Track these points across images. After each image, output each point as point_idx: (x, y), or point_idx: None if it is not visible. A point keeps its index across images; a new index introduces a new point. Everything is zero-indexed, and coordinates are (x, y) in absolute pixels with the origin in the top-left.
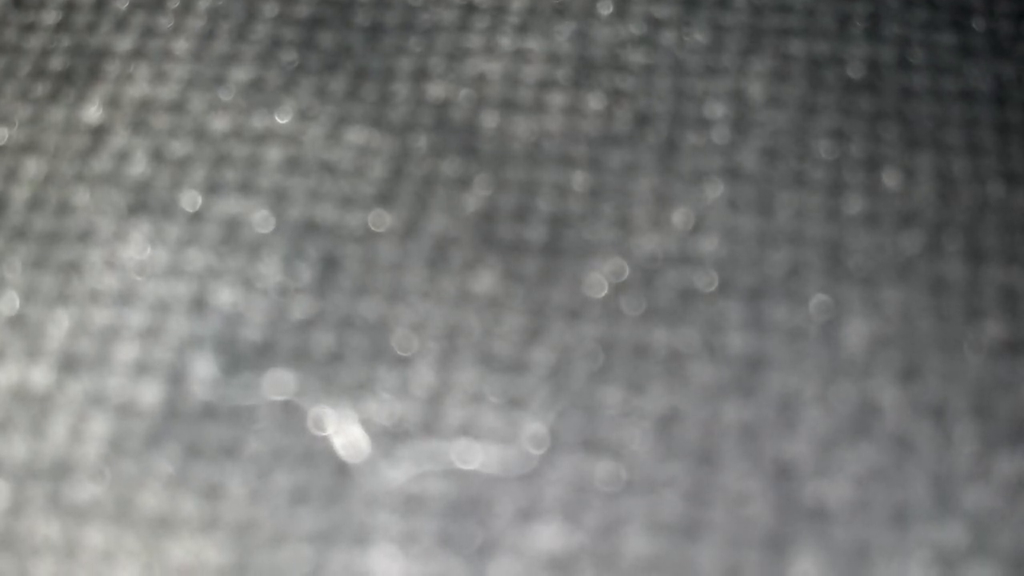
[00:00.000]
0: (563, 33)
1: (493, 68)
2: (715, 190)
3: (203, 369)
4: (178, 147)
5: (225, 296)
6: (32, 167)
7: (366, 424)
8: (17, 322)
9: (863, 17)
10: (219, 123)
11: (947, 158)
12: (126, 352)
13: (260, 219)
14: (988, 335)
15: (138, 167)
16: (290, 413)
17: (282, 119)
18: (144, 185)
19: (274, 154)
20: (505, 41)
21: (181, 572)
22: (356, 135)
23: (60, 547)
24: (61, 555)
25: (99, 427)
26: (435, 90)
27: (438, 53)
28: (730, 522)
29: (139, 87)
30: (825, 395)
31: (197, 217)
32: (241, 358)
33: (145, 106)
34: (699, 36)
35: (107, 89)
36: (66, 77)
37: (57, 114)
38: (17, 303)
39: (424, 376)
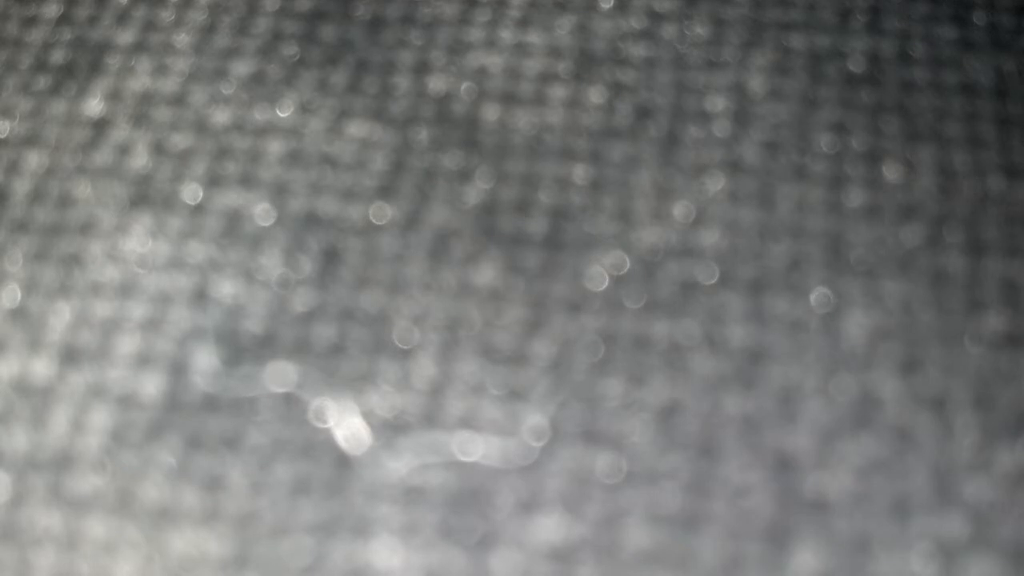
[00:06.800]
0: (564, 27)
1: (494, 61)
2: (716, 183)
3: (204, 361)
4: (179, 140)
5: (226, 288)
6: (33, 160)
7: (367, 416)
8: (19, 314)
9: (864, 11)
10: (220, 116)
11: (948, 151)
12: (127, 344)
13: (261, 212)
14: (989, 327)
15: (139, 160)
16: (291, 405)
17: (283, 112)
18: (145, 178)
19: (275, 147)
20: (506, 35)
21: (182, 563)
22: (357, 128)
23: (61, 538)
24: (62, 546)
25: (100, 419)
26: (436, 83)
27: (439, 46)
28: (731, 514)
29: (140, 80)
30: (826, 387)
31: (198, 210)
32: (242, 350)
33: (146, 99)
34: (700, 30)
35: (108, 82)
36: (67, 70)
37: (58, 107)
38: (19, 295)
39: (425, 368)
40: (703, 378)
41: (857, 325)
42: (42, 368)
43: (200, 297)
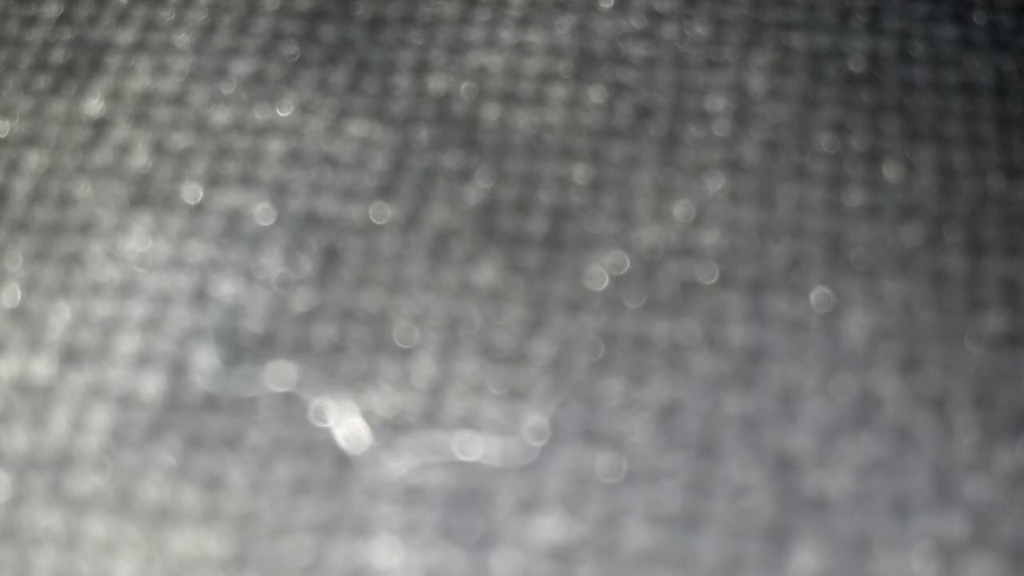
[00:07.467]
0: (564, 26)
1: (494, 61)
2: (716, 183)
3: (204, 360)
4: (179, 140)
5: (226, 288)
6: (34, 159)
7: (367, 415)
8: (19, 314)
9: (864, 10)
10: (220, 116)
11: (948, 151)
12: (127, 343)
13: (261, 211)
14: (988, 327)
15: (139, 159)
16: (291, 404)
17: (283, 112)
18: (145, 177)
19: (275, 147)
20: (506, 34)
21: (182, 563)
22: (357, 128)
23: (61, 538)
24: (62, 546)
25: (100, 418)
26: (436, 83)
27: (439, 46)
28: (731, 513)
29: (140, 80)
30: (826, 387)
31: (198, 209)
32: (242, 350)
33: (146, 99)
34: (700, 29)
35: (108, 82)
36: (67, 70)
37: (58, 107)
38: (19, 295)
39: (425, 368)
40: (703, 378)
41: (857, 325)
42: (42, 368)
43: (200, 297)
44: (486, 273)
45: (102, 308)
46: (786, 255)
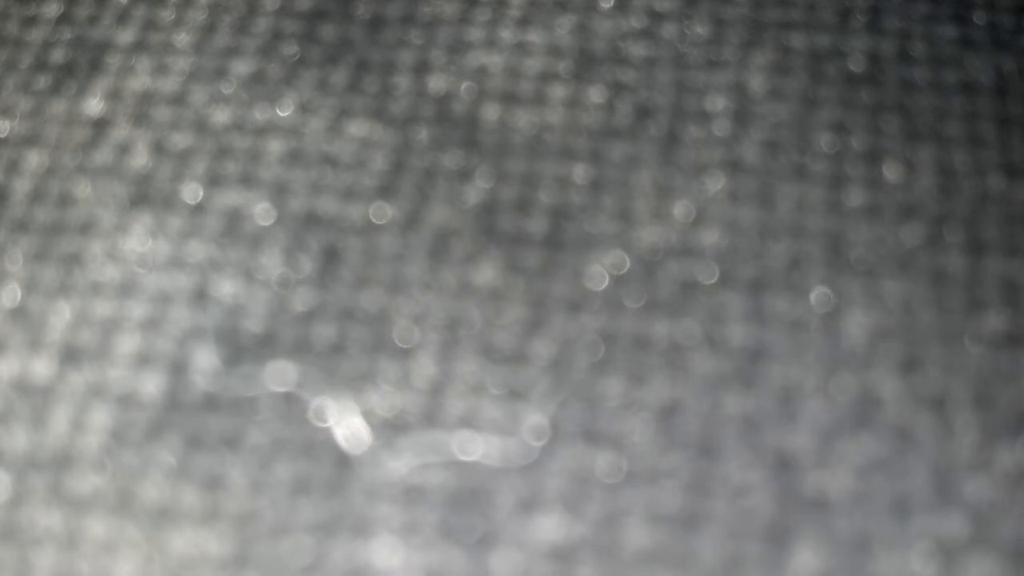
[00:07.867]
0: (564, 26)
1: (494, 61)
2: (716, 182)
3: (204, 360)
4: (179, 139)
5: (226, 288)
6: (34, 159)
7: (367, 415)
8: (19, 314)
9: (864, 10)
10: (220, 116)
11: (948, 151)
12: (127, 343)
13: (261, 211)
14: (989, 327)
15: (139, 159)
16: (291, 404)
17: (283, 112)
18: (145, 177)
19: (275, 146)
20: (506, 34)
21: (182, 563)
22: (357, 128)
23: (61, 538)
24: (62, 546)
25: (100, 418)
26: (436, 83)
27: (439, 46)
28: (731, 513)
29: (140, 80)
30: (826, 386)
31: (198, 209)
32: (242, 349)
33: (146, 99)
34: (700, 29)
35: (108, 82)
36: (67, 70)
37: (58, 106)
38: (19, 295)
39: (425, 367)
40: (703, 378)
41: (857, 325)
42: (42, 368)
43: (200, 297)
44: (486, 273)
45: (102, 308)
46: (786, 255)
